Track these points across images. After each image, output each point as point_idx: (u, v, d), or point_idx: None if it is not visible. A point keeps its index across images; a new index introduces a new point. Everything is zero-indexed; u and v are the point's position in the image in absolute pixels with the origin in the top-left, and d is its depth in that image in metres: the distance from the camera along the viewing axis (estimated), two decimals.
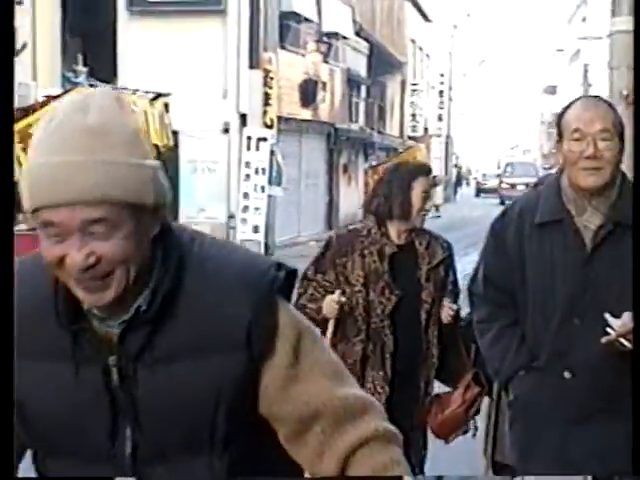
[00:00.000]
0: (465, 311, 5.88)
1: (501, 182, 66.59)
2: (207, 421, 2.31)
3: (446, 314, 5.68)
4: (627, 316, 3.86)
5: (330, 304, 5.62)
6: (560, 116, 4.26)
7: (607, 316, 3.89)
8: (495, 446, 5.69)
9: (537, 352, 4.19)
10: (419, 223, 5.84)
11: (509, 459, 5.55)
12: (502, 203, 61.08)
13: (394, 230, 5.78)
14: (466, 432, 6.00)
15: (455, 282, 5.97)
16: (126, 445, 2.32)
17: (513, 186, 60.49)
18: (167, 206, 2.33)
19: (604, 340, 3.90)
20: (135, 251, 2.22)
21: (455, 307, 5.73)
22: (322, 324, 5.68)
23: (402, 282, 5.73)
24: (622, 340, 3.86)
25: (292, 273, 2.48)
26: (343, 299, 5.63)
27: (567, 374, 4.07)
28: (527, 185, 57.42)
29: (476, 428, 5.99)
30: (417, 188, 5.77)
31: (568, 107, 4.26)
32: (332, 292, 5.69)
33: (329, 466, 2.40)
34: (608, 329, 3.91)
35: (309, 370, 2.41)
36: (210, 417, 2.31)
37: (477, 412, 5.90)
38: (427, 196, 5.84)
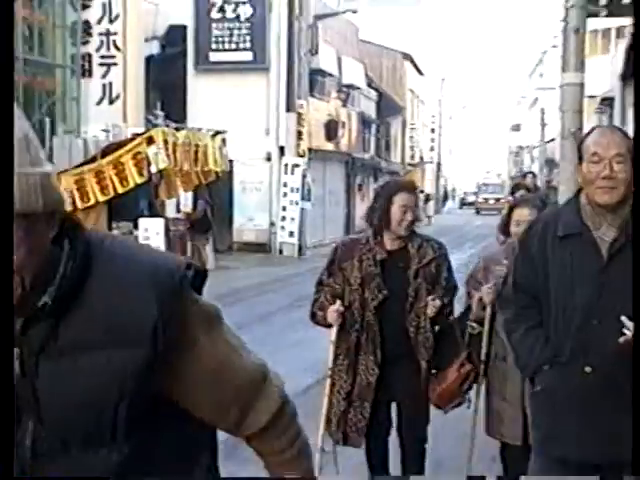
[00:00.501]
0: (460, 304, 5.81)
1: (477, 198, 71.31)
2: (109, 414, 1.95)
3: (431, 308, 5.30)
4: None
5: (332, 314, 5.40)
6: (581, 142, 3.97)
7: (623, 318, 3.60)
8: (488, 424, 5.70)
9: (560, 349, 3.85)
10: (403, 231, 5.44)
11: (509, 437, 5.57)
12: (477, 212, 63.62)
13: (387, 238, 5.46)
14: (461, 404, 5.74)
15: (448, 278, 5.55)
16: (26, 438, 1.96)
17: (486, 200, 65.81)
18: (62, 209, 1.95)
19: (622, 340, 3.61)
20: (27, 259, 1.85)
21: (438, 303, 5.33)
22: (329, 326, 5.55)
23: (391, 281, 5.42)
24: None
25: (202, 272, 2.16)
26: (342, 309, 5.40)
27: (588, 369, 3.74)
28: (496, 199, 61.11)
29: (469, 401, 5.79)
30: (397, 202, 5.40)
31: (588, 134, 3.98)
32: (340, 294, 5.46)
33: (248, 438, 2.18)
34: (625, 330, 3.61)
35: (219, 356, 2.10)
36: (112, 410, 1.95)
37: (470, 387, 5.69)
38: (406, 209, 5.41)
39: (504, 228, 5.84)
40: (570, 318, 3.82)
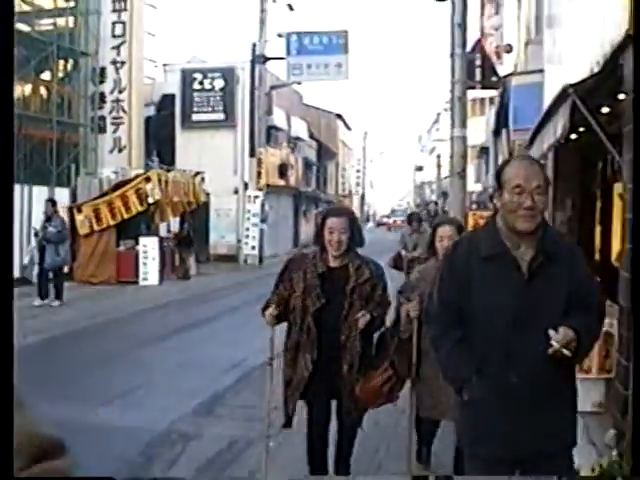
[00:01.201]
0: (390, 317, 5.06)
1: (389, 219, 74.06)
2: None
3: (361, 322, 4.65)
4: (563, 330, 3.04)
5: (267, 316, 4.83)
6: (500, 172, 3.27)
7: (550, 332, 3.04)
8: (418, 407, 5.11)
9: (486, 362, 3.17)
10: (334, 251, 4.76)
11: (422, 411, 5.04)
12: (389, 229, 64.24)
13: (330, 256, 4.80)
14: (391, 401, 5.00)
15: (382, 296, 4.85)
16: None
17: (395, 221, 67.40)
18: None
19: (550, 351, 3.05)
20: None
21: (368, 317, 4.65)
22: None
23: (330, 293, 4.75)
24: (563, 350, 3.05)
25: None
26: (276, 312, 4.78)
27: (514, 379, 3.12)
28: (402, 221, 62.04)
29: (397, 397, 5.05)
30: (326, 225, 4.77)
31: (506, 165, 3.31)
32: (286, 299, 4.84)
33: None
34: (552, 342, 3.05)
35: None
36: None
37: (391, 390, 4.92)
38: (333, 231, 4.73)
39: (430, 245, 5.23)
40: (496, 332, 3.16)
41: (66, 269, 16.20)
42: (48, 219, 14.93)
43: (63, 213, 19.24)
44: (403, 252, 12.42)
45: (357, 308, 4.72)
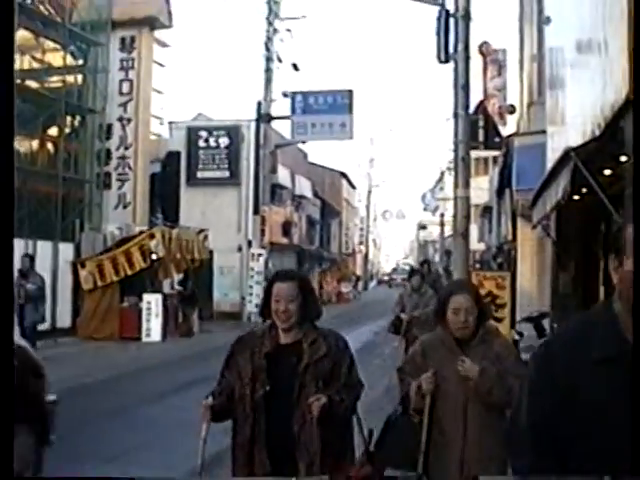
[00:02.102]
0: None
1: (391, 277, 78.12)
2: None
3: (315, 407, 3.69)
4: None
5: (202, 408, 3.95)
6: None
7: None
8: None
9: None
10: (281, 323, 3.89)
11: None
12: (389, 287, 66.70)
13: (280, 331, 3.93)
14: None
15: (348, 375, 3.90)
16: None
17: (395, 279, 70.57)
18: None
19: None
20: None
21: (323, 401, 3.70)
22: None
23: (279, 376, 3.85)
24: None
25: None
26: (211, 402, 3.88)
27: None
28: (402, 279, 62.28)
29: None
30: (272, 293, 3.89)
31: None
32: (232, 388, 3.93)
33: None
34: None
35: None
36: None
37: None
38: (279, 299, 3.87)
39: (440, 316, 4.22)
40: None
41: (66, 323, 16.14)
42: (24, 275, 14.54)
43: (67, 268, 19.34)
44: (403, 315, 11.71)
45: (311, 391, 3.81)
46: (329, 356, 3.89)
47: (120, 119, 23.23)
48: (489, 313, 4.25)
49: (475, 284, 5.48)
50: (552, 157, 9.67)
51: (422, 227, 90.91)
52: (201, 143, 29.07)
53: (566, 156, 6.43)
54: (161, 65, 28.24)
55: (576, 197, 7.85)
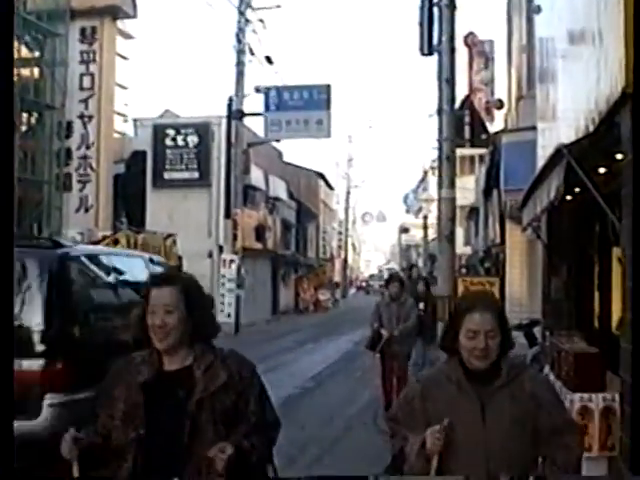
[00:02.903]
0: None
1: (368, 284, 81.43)
2: None
3: (220, 461, 2.84)
4: None
5: (63, 449, 2.99)
6: None
7: None
8: None
9: None
10: (158, 343, 3.06)
11: None
12: (367, 293, 71.69)
13: (165, 355, 3.11)
14: None
15: (258, 412, 3.11)
16: None
17: (372, 285, 74.97)
18: None
19: None
20: None
21: (229, 452, 2.86)
22: None
23: (162, 416, 3.03)
24: None
25: None
26: (74, 435, 2.97)
27: None
28: (379, 285, 63.68)
29: None
30: (149, 303, 3.09)
31: None
32: (107, 432, 3.09)
33: None
34: None
35: None
36: None
37: None
38: (155, 310, 3.07)
39: (449, 341, 3.22)
40: None
41: None
42: None
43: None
44: (383, 331, 10.99)
45: (208, 436, 2.99)
46: (231, 387, 3.08)
47: (81, 116, 23.07)
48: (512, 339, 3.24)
49: (497, 298, 4.24)
50: (543, 155, 9.68)
51: (404, 230, 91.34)
52: (168, 142, 28.92)
53: (558, 153, 6.42)
54: (125, 58, 28.08)
55: (569, 197, 7.86)
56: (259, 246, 32.86)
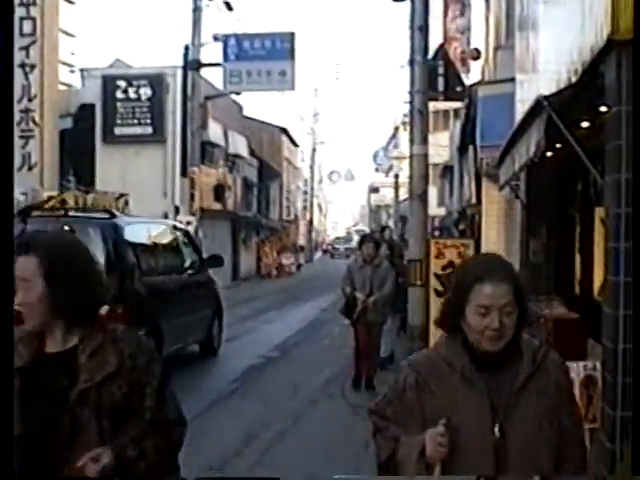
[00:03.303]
0: None
1: (332, 247, 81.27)
2: None
3: (89, 468, 2.46)
4: None
5: None
6: None
7: None
8: None
9: None
10: (26, 322, 2.64)
11: None
12: (332, 257, 72.20)
13: (49, 333, 2.70)
14: None
15: (159, 405, 2.66)
16: None
17: (337, 249, 75.20)
18: None
19: None
20: None
21: (106, 460, 2.49)
22: None
23: (38, 409, 2.60)
24: None
25: None
26: None
27: None
28: (345, 248, 69.47)
29: None
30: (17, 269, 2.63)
31: None
32: None
33: None
34: None
35: None
36: None
37: None
38: (17, 283, 2.62)
39: (453, 318, 2.75)
40: None
41: None
42: None
43: None
44: (358, 295, 10.87)
45: (91, 436, 2.60)
46: (122, 375, 2.65)
47: (22, 65, 22.64)
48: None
49: (511, 264, 3.05)
50: (522, 109, 9.66)
51: (374, 190, 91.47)
52: (119, 94, 28.53)
53: (538, 106, 6.38)
54: (70, 2, 27.55)
55: (549, 153, 7.85)
56: (218, 207, 32.71)
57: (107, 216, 11.02)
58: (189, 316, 12.80)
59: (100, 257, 9.43)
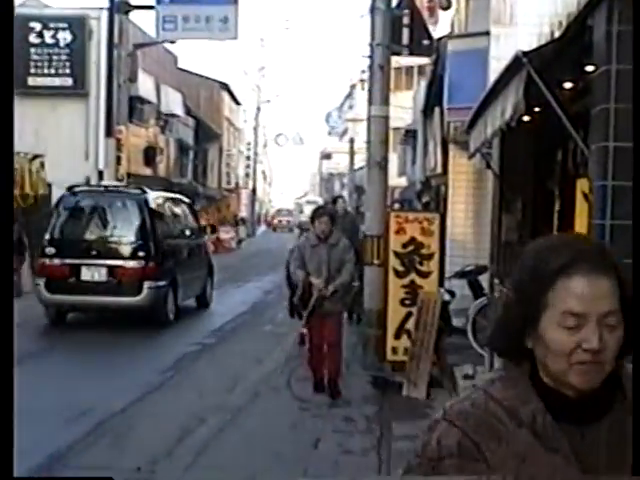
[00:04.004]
0: None
1: (274, 220, 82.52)
2: None
3: None
4: None
5: None
6: None
7: None
8: None
9: None
10: None
11: None
12: (274, 230, 74.07)
13: None
14: None
15: None
16: None
17: (280, 222, 77.61)
18: None
19: None
20: None
21: None
22: None
23: None
24: None
25: None
26: None
27: None
28: (287, 221, 73.01)
29: None
30: None
31: None
32: None
33: None
34: None
35: None
36: None
37: None
38: None
39: (516, 339, 1.90)
40: None
41: None
42: None
43: None
44: (314, 280, 10.18)
45: None
46: None
47: None
48: None
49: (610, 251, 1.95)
50: (497, 66, 9.70)
51: (326, 156, 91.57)
52: (33, 39, 28.14)
53: (516, 63, 6.41)
54: None
55: (526, 118, 7.90)
56: (148, 172, 32.57)
57: (140, 192, 16.58)
58: (193, 273, 17.87)
59: (136, 223, 15.77)
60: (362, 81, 60.33)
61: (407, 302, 11.30)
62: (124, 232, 15.77)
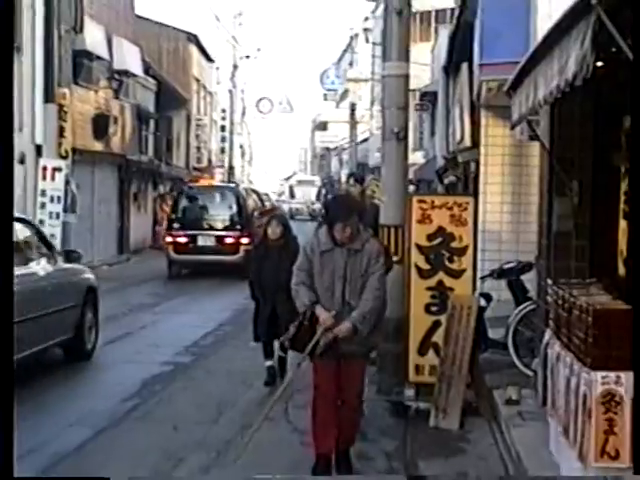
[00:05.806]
0: None
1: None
2: None
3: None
4: None
5: None
6: None
7: None
8: None
9: None
10: None
11: None
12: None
13: None
14: None
15: None
16: None
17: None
18: None
19: None
20: None
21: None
22: None
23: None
24: None
25: None
26: None
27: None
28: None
29: None
30: None
31: None
32: None
33: None
34: None
35: None
36: None
37: None
38: None
39: None
40: None
41: None
42: None
43: None
44: (322, 313, 8.41)
45: None
46: None
47: None
48: None
49: None
50: (547, 11, 9.67)
51: (320, 126, 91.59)
52: None
53: (582, 3, 6.32)
54: None
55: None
56: (99, 147, 32.62)
57: (234, 185, 38.23)
58: None
59: (233, 206, 29.90)
60: (366, 30, 60.26)
61: (434, 309, 11.24)
62: (225, 212, 29.92)
